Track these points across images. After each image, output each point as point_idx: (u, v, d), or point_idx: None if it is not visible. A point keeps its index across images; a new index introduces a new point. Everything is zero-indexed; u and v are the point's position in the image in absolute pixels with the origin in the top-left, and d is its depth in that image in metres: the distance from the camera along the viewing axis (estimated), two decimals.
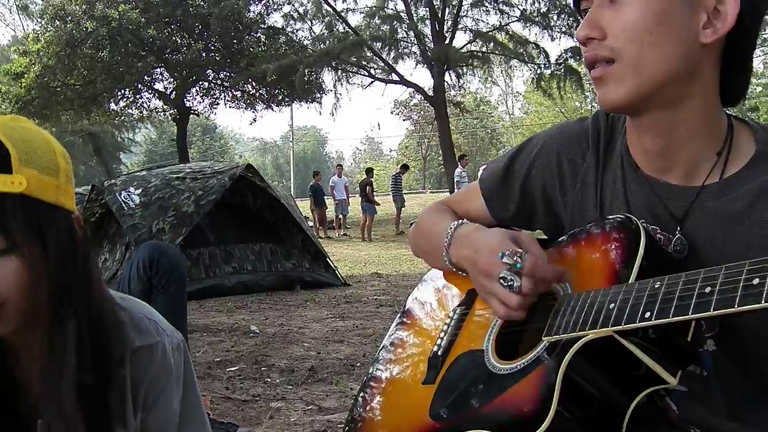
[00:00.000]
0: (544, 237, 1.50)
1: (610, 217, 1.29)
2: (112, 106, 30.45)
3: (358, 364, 4.87)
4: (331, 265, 10.01)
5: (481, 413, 1.24)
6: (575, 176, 1.41)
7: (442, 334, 1.50)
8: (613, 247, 1.22)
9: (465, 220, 1.47)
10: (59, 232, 1.14)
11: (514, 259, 1.23)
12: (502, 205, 1.52)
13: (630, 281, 1.12)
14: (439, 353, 1.46)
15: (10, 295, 1.10)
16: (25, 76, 26.91)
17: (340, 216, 21.14)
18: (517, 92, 64.36)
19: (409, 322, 1.67)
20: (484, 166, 21.25)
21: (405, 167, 22.92)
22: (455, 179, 19.91)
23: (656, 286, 1.06)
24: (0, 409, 1.19)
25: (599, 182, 1.37)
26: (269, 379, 4.53)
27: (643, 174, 1.31)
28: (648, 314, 1.04)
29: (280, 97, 30.01)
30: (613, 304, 1.09)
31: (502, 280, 1.24)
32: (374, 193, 20.17)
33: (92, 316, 1.19)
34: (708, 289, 0.98)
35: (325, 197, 21.52)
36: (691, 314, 0.99)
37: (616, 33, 1.19)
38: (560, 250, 1.36)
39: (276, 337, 6.03)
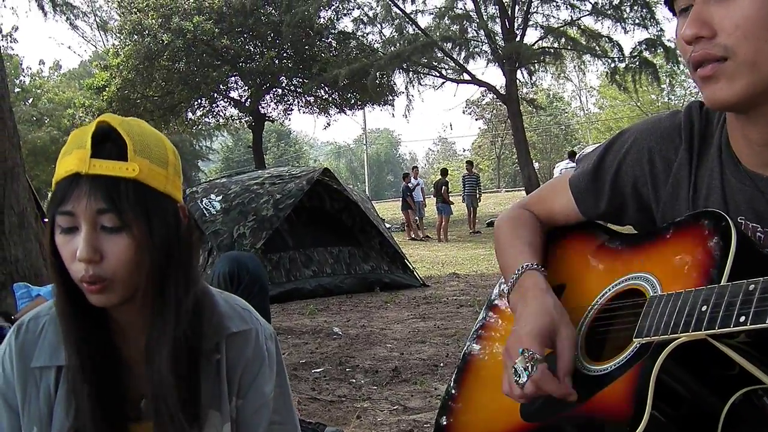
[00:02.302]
0: (634, 232, 1.47)
1: (700, 212, 1.25)
2: (190, 115, 31.10)
3: (442, 364, 4.90)
4: (410, 266, 10.06)
5: (574, 415, 1.24)
6: (667, 172, 1.37)
7: None
8: (702, 245, 1.19)
9: (533, 264, 1.45)
10: (165, 216, 1.26)
11: (526, 364, 1.26)
12: (592, 203, 1.49)
13: (722, 282, 1.10)
14: None
15: (118, 269, 1.21)
16: (107, 89, 27.75)
17: (416, 218, 21.15)
18: (591, 87, 63.19)
19: (494, 319, 1.66)
20: (558, 164, 20.87)
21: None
22: (561, 172, 19.52)
23: (750, 289, 1.02)
24: (109, 386, 1.29)
25: (693, 177, 1.33)
26: (354, 380, 4.61)
27: (745, 169, 1.26)
28: (743, 318, 1.01)
29: (353, 101, 30.20)
30: (705, 306, 1.07)
31: (513, 369, 1.27)
32: (449, 193, 20.07)
33: (190, 300, 1.30)
34: None
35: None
36: None
37: (729, 30, 1.11)
38: (648, 246, 1.34)
39: (359, 338, 6.12)
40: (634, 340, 1.21)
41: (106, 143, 1.23)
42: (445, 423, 1.57)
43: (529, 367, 1.25)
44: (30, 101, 45.88)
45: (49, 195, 1.26)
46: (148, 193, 1.23)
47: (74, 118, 30.06)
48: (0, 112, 6.24)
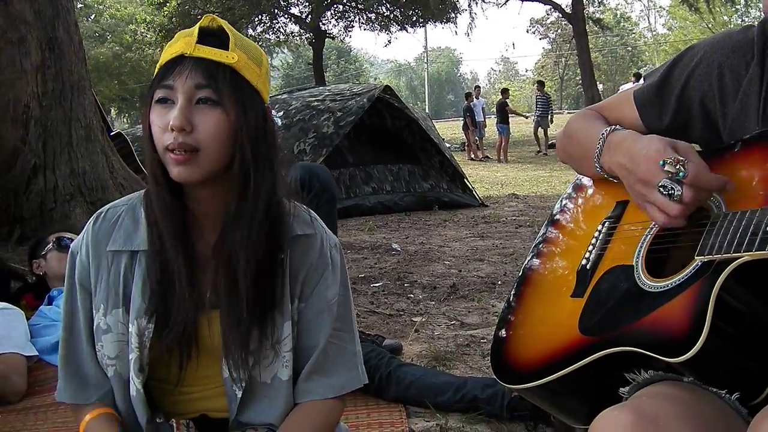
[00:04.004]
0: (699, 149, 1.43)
1: None
2: (250, 31, 30.97)
3: (499, 282, 4.93)
4: (469, 185, 10.05)
5: (632, 330, 1.25)
6: (737, 88, 1.34)
7: (590, 247, 1.49)
8: None
9: (618, 126, 1.44)
10: (255, 107, 1.34)
11: (677, 167, 1.20)
12: (656, 115, 1.48)
13: None
14: (588, 267, 1.46)
15: (206, 141, 1.29)
16: (168, 4, 27.79)
17: (476, 138, 20.95)
18: (660, 7, 60.95)
19: (556, 232, 1.67)
20: (622, 86, 20.35)
21: (541, 84, 21.96)
22: None
23: None
24: (182, 273, 1.36)
25: (764, 93, 1.30)
26: (412, 295, 4.68)
27: None
28: None
29: (414, 18, 29.73)
30: None
31: (662, 188, 1.22)
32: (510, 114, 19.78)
33: (269, 198, 1.36)
34: None
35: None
36: None
37: None
38: (715, 164, 1.31)
39: (417, 254, 6.18)
40: (696, 257, 1.20)
41: (211, 36, 1.33)
42: (503, 335, 1.58)
43: (681, 169, 1.20)
44: (92, 17, 46.26)
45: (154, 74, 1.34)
46: (243, 82, 1.32)
47: (136, 34, 30.31)
48: (66, 26, 6.34)
